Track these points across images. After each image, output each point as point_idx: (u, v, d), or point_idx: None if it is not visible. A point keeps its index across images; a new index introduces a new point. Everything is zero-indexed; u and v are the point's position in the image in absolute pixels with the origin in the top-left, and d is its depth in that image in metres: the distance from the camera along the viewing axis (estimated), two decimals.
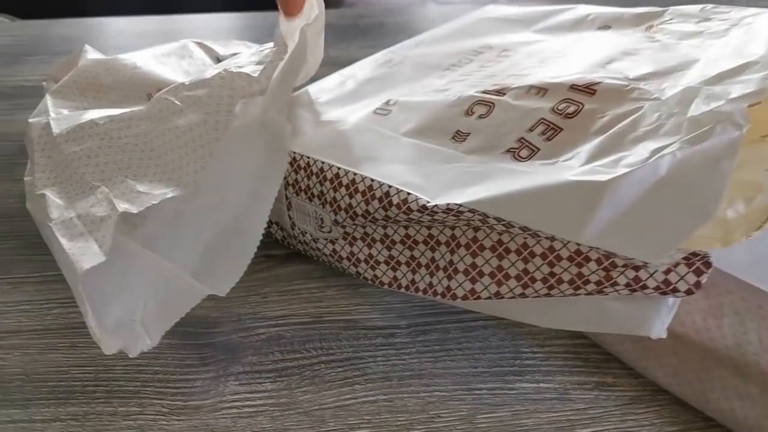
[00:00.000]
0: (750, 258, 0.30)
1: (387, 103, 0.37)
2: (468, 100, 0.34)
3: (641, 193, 0.25)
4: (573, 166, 0.28)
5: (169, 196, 0.32)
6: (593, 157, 0.28)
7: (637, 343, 0.33)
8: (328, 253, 0.37)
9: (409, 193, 0.30)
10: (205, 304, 0.39)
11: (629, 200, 0.25)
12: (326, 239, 0.36)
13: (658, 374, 0.33)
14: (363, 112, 0.37)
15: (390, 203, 0.31)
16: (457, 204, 0.28)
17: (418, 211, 0.30)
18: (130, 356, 0.31)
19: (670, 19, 0.35)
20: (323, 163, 0.34)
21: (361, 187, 0.32)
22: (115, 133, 0.37)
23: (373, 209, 0.32)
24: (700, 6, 0.35)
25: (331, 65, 0.46)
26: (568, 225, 0.26)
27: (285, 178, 0.37)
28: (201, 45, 0.49)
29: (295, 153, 0.36)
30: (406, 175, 0.31)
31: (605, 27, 0.38)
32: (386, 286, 0.35)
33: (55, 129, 0.38)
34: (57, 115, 0.40)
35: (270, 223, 0.41)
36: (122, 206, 0.32)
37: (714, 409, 0.31)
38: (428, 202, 0.29)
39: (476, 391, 0.34)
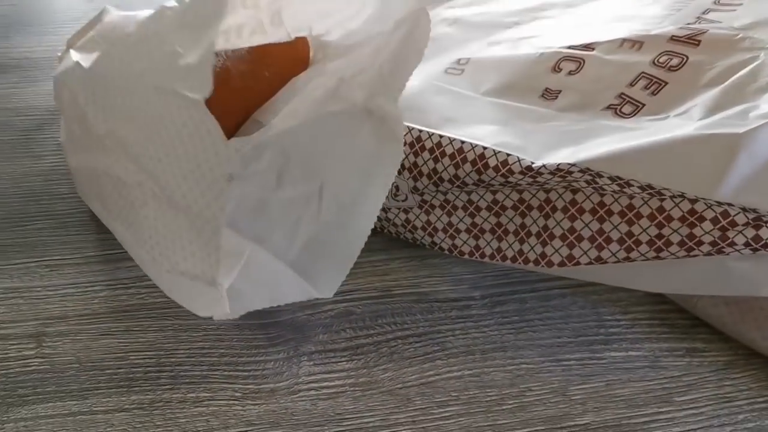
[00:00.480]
0: None
1: (458, 62, 0.35)
2: (553, 56, 0.32)
3: None
4: (691, 120, 0.26)
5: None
6: (712, 110, 0.26)
7: (733, 306, 0.32)
8: (399, 223, 0.34)
9: (508, 155, 0.28)
10: None
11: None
12: (399, 208, 0.34)
13: (756, 336, 0.32)
14: (431, 72, 0.35)
15: (486, 166, 0.29)
16: (568, 164, 0.27)
17: (521, 173, 0.28)
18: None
19: None
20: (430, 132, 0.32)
21: (449, 150, 0.30)
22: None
23: (463, 173, 0.30)
24: None
25: None
26: (701, 181, 0.24)
27: None
28: None
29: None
30: (500, 136, 0.29)
31: None
32: (466, 256, 0.33)
33: (86, 62, 0.34)
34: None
35: None
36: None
37: None
38: (532, 163, 0.28)
39: (564, 362, 0.32)
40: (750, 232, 0.26)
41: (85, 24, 0.43)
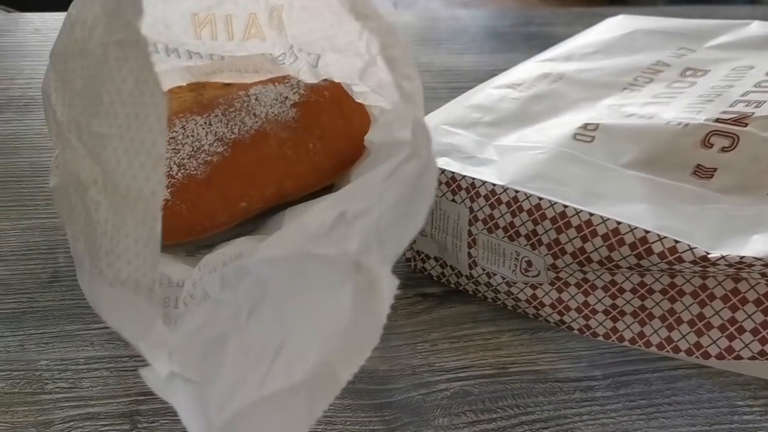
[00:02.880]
0: None
1: (585, 127, 0.33)
2: (700, 129, 0.30)
3: None
4: None
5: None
6: None
7: None
8: (524, 298, 0.32)
9: (677, 241, 0.26)
10: (372, 354, 0.34)
11: None
12: (526, 283, 0.32)
13: None
14: (557, 136, 0.33)
15: (649, 251, 0.27)
16: (754, 257, 0.25)
17: (692, 262, 0.26)
18: None
19: None
20: (541, 199, 0.30)
21: (601, 230, 0.28)
22: None
23: (619, 256, 0.28)
24: None
25: None
26: None
27: (473, 211, 0.32)
28: None
29: (495, 185, 0.31)
30: (658, 218, 0.27)
31: None
32: (600, 338, 0.31)
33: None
34: None
35: (421, 255, 0.37)
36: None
37: None
38: (707, 253, 0.26)
39: None
40: None
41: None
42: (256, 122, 0.33)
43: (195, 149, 0.32)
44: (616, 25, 0.44)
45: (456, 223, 0.33)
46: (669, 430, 0.31)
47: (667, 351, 0.29)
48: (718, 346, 0.28)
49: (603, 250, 0.28)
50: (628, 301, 0.30)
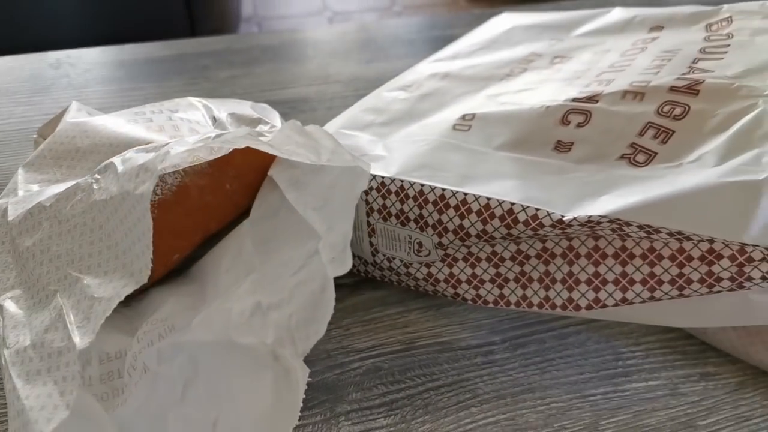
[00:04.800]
0: None
1: (463, 117, 0.36)
2: (559, 110, 0.34)
3: None
4: (705, 167, 0.28)
5: (122, 294, 0.29)
6: (725, 156, 0.28)
7: (741, 330, 0.34)
8: (421, 277, 0.35)
9: (537, 209, 0.30)
10: None
11: None
12: (421, 263, 0.35)
13: (764, 357, 0.34)
14: (439, 128, 0.36)
15: (515, 221, 0.30)
16: (599, 215, 0.28)
17: (551, 226, 0.29)
18: None
19: (731, 17, 0.37)
20: (423, 185, 0.33)
21: (475, 207, 0.31)
22: (62, 213, 0.33)
23: (492, 228, 0.31)
24: (759, 2, 0.36)
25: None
26: (729, 226, 0.26)
27: (368, 203, 0.35)
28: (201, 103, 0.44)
29: (383, 177, 0.34)
30: (524, 190, 0.31)
31: (657, 27, 0.39)
32: (491, 305, 0.34)
33: (11, 215, 0.34)
34: (20, 194, 0.36)
35: None
36: (76, 338, 0.28)
37: None
38: (563, 216, 0.29)
39: (591, 398, 0.34)
40: (765, 267, 0.28)
41: (52, 118, 0.43)
42: (176, 178, 0.34)
43: None
44: (498, 23, 0.48)
45: (357, 216, 0.36)
46: (560, 380, 0.35)
47: (546, 309, 0.32)
48: (587, 298, 0.31)
49: (478, 224, 0.31)
50: (509, 269, 0.33)
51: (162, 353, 0.30)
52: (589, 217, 0.28)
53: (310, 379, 0.35)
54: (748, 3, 0.37)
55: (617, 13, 0.42)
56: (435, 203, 0.33)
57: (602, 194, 0.30)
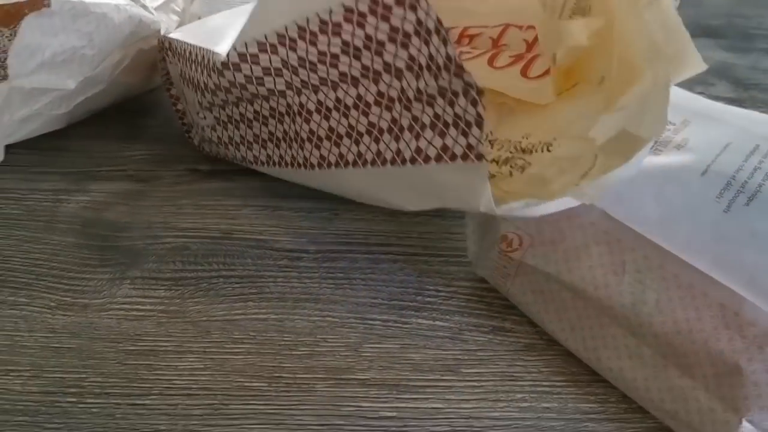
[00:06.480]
0: (657, 215, 0.29)
1: None
2: None
3: None
4: None
5: None
6: None
7: (537, 295, 0.32)
8: (215, 140, 0.37)
9: (214, 53, 0.31)
10: (119, 209, 0.39)
11: None
12: (208, 126, 0.37)
13: (555, 328, 0.32)
14: None
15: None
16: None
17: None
18: None
19: None
20: (188, 45, 0.35)
21: (205, 61, 0.33)
22: None
23: (210, 81, 0.33)
24: None
25: None
26: None
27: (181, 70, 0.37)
28: None
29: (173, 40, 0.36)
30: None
31: None
32: (254, 166, 0.37)
33: None
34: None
35: (188, 127, 0.41)
36: None
37: (604, 367, 0.30)
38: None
39: (369, 321, 0.33)
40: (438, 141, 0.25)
41: None
42: None
43: None
44: None
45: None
46: (349, 299, 0.34)
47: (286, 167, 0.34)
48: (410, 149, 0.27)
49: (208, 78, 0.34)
50: (251, 129, 0.35)
51: None
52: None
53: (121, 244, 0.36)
54: None
55: None
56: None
57: None
